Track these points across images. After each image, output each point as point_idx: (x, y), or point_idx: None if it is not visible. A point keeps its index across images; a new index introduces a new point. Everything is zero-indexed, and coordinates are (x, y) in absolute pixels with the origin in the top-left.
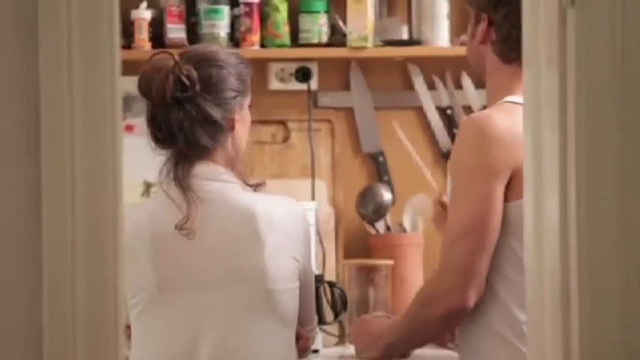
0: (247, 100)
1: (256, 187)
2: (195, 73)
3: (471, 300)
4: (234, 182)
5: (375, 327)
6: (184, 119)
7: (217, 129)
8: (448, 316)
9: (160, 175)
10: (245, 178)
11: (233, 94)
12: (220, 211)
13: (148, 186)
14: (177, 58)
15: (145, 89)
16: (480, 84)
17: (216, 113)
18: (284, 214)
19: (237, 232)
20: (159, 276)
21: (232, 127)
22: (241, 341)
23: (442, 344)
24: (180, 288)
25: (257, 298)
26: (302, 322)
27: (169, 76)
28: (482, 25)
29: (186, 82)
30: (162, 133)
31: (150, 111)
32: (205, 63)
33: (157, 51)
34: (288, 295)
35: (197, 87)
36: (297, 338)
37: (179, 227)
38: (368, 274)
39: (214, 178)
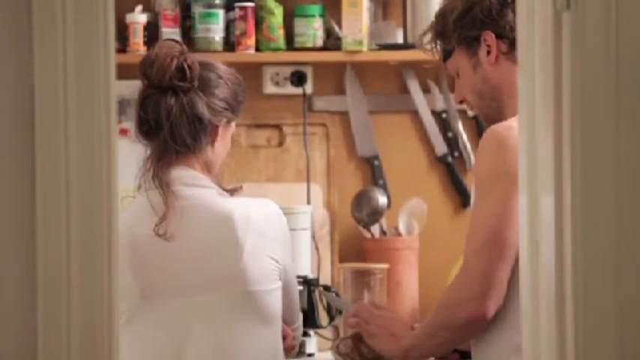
0: (234, 122)
1: (232, 192)
2: (198, 68)
3: (491, 309)
4: (211, 187)
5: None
6: (174, 107)
7: (202, 129)
8: (468, 325)
9: (141, 174)
10: (221, 184)
11: (224, 104)
12: (198, 216)
13: None
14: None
15: (146, 67)
16: None
17: (205, 113)
18: (260, 216)
19: (216, 237)
20: (140, 284)
21: (215, 135)
22: (226, 345)
23: None
24: (161, 295)
25: (239, 300)
26: (286, 321)
27: (174, 60)
28: (489, 42)
29: (188, 72)
30: (148, 119)
31: (142, 93)
32: (206, 67)
33: (167, 38)
34: (270, 296)
35: (195, 82)
36: (283, 337)
37: (156, 232)
38: (363, 278)
39: (192, 184)
